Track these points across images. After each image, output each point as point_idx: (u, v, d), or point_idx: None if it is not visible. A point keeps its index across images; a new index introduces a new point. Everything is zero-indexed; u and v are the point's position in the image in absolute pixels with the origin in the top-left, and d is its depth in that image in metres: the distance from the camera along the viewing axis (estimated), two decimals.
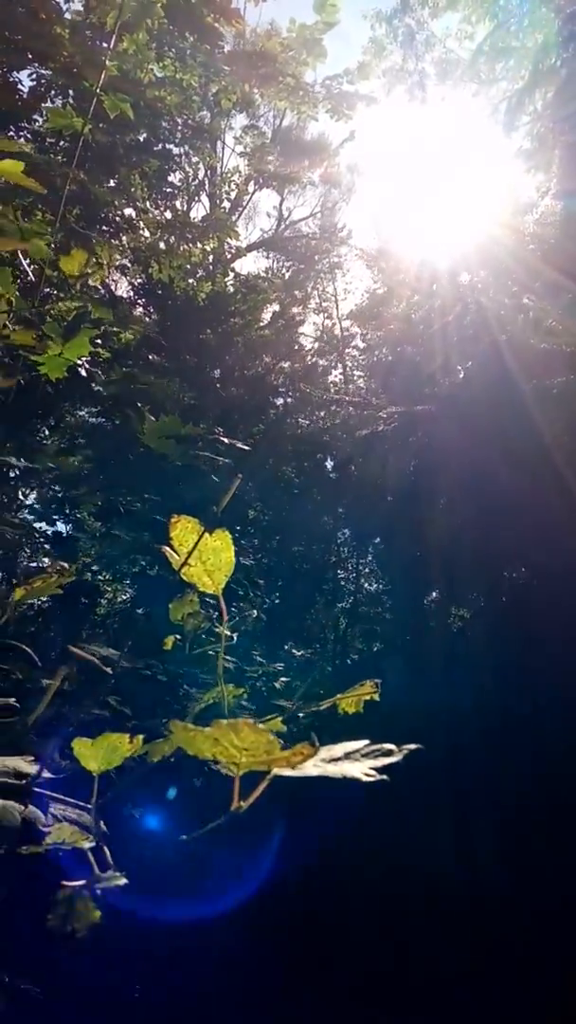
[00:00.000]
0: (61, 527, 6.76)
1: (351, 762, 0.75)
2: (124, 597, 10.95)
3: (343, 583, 15.30)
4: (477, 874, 6.14)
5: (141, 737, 1.02)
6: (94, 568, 7.13)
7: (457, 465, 8.55)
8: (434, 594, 10.80)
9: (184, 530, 1.11)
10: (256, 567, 13.26)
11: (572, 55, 9.07)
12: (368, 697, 1.14)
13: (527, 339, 8.73)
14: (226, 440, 2.68)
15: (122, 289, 12.44)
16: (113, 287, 12.56)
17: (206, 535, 1.11)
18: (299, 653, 6.60)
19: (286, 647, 13.99)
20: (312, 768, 0.71)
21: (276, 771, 0.72)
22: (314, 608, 15.17)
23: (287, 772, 0.71)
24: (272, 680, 5.54)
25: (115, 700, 4.05)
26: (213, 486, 3.32)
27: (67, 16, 5.71)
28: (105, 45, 4.81)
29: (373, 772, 0.72)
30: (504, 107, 10.55)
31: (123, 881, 0.86)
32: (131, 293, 11.77)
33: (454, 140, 13.70)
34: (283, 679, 5.57)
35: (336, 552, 15.27)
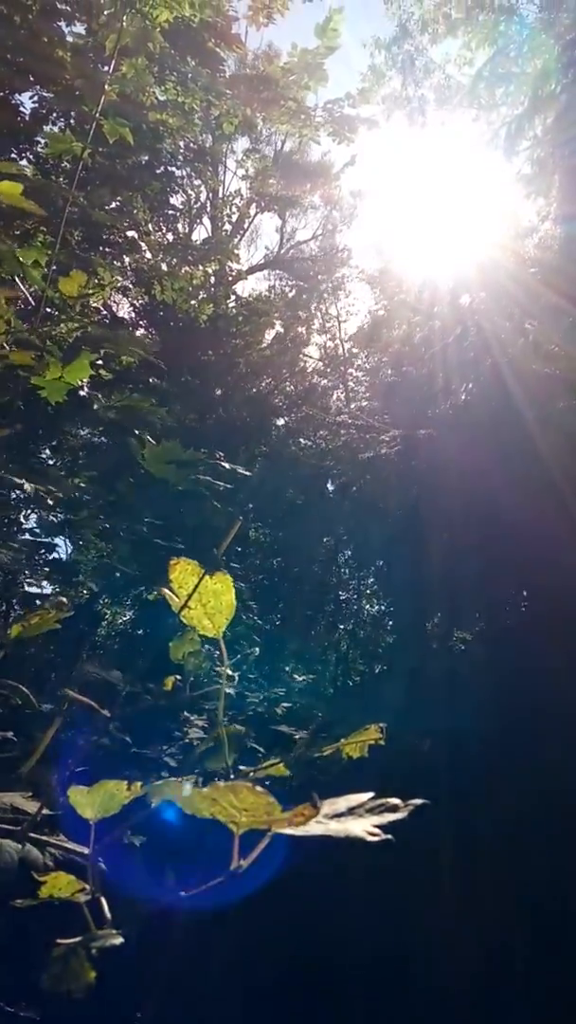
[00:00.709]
0: (61, 550, 6.71)
1: (355, 818, 0.72)
2: (125, 618, 10.90)
3: (344, 604, 15.23)
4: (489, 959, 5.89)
5: (139, 784, 0.97)
6: (95, 590, 7.08)
7: (459, 488, 8.52)
8: (436, 616, 10.72)
9: (184, 572, 1.08)
10: (255, 588, 13.23)
11: (571, 81, 9.16)
12: (373, 741, 1.10)
13: (528, 363, 8.74)
14: (227, 465, 2.65)
15: (124, 310, 12.54)
16: (115, 308, 12.66)
17: (206, 577, 1.07)
18: (300, 678, 6.52)
19: (287, 669, 13.93)
20: (315, 827, 0.69)
21: (277, 829, 0.70)
22: (315, 629, 15.11)
23: (289, 831, 0.69)
24: (273, 705, 5.46)
25: (116, 727, 3.98)
26: (214, 511, 3.29)
27: (69, 39, 5.78)
28: (106, 69, 4.84)
29: (377, 831, 0.69)
30: (504, 132, 10.65)
31: (119, 940, 0.83)
32: (133, 314, 11.84)
33: (454, 163, 13.80)
34: (284, 704, 5.50)
35: (337, 573, 15.21)
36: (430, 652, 10.37)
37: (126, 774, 0.98)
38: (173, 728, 4.60)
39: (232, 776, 1.03)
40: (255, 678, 7.65)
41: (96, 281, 5.54)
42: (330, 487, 13.50)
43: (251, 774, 1.09)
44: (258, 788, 0.68)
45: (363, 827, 0.69)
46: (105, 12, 4.11)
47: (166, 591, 1.09)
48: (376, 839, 0.68)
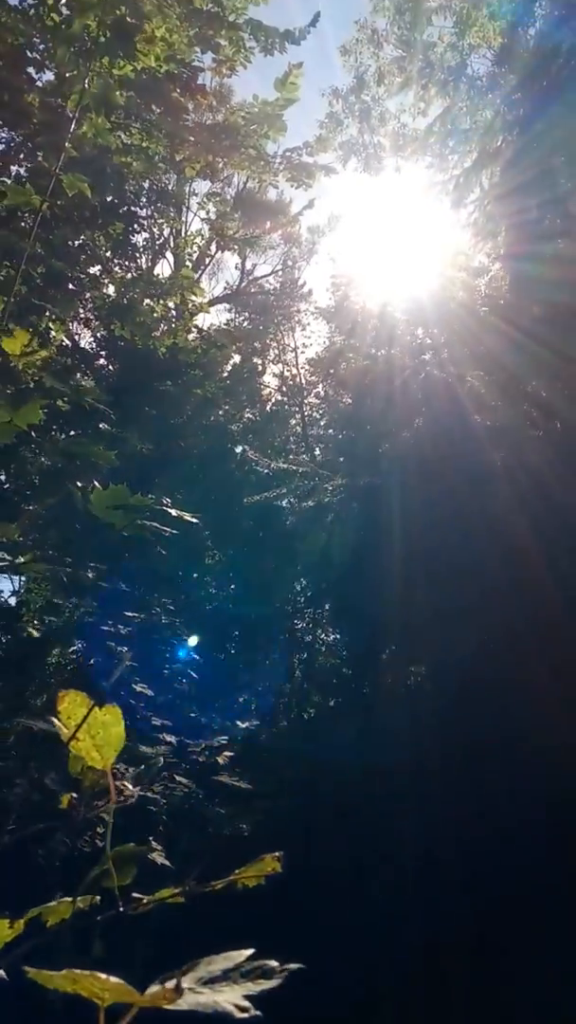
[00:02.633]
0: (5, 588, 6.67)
1: (228, 985, 0.69)
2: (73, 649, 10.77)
3: (300, 634, 15.15)
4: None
5: (22, 921, 0.96)
6: (40, 626, 7.02)
7: (404, 531, 8.77)
8: (390, 649, 10.84)
9: (72, 703, 1.08)
10: (208, 616, 13.19)
11: (515, 138, 9.64)
12: (270, 871, 1.04)
13: (469, 413, 9.10)
14: (174, 512, 2.75)
15: (85, 341, 12.63)
16: (78, 339, 12.73)
17: (96, 709, 1.07)
18: (244, 725, 6.48)
19: (240, 700, 13.84)
20: (183, 1001, 0.66)
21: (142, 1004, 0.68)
22: (269, 660, 15.01)
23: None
24: (215, 754, 5.39)
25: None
26: (159, 557, 3.36)
27: (39, 84, 5.93)
28: (75, 115, 4.99)
29: (247, 1007, 0.65)
30: (452, 185, 11.11)
31: None
32: (94, 345, 11.93)
33: (409, 206, 14.30)
34: (227, 753, 5.42)
35: (293, 602, 15.17)
36: (384, 686, 10.46)
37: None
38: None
39: (121, 908, 1.01)
40: (199, 716, 7.55)
41: (49, 323, 5.65)
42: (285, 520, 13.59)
43: (144, 901, 1.03)
44: (112, 979, 0.67)
45: (233, 1000, 0.66)
46: (67, 73, 4.26)
47: (55, 720, 1.08)
48: (245, 1016, 0.64)
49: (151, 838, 4.36)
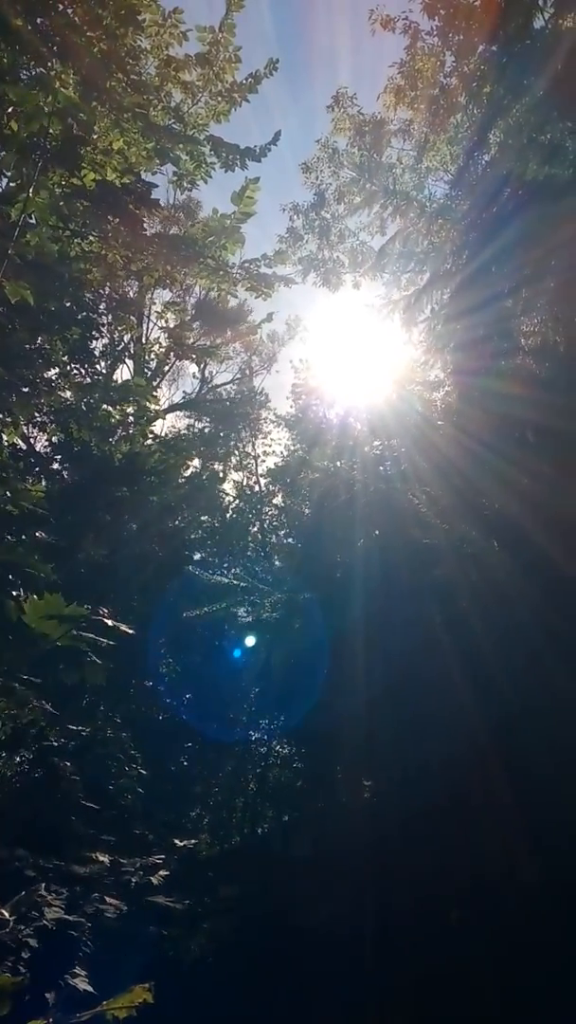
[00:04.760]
0: None
1: None
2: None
3: (254, 745, 14.56)
4: None
5: None
6: None
7: (358, 644, 8.68)
8: (344, 764, 10.49)
9: None
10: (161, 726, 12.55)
11: (465, 261, 10.14)
12: (141, 1000, 1.12)
13: (411, 529, 9.18)
14: (110, 622, 2.50)
15: (40, 444, 12.44)
16: (33, 441, 12.55)
17: None
18: (181, 844, 6.03)
19: (192, 814, 13.04)
20: None
21: None
22: (222, 772, 14.39)
23: None
24: (150, 874, 4.94)
25: None
26: (93, 668, 3.06)
27: None
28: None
29: None
30: (404, 304, 11.57)
31: None
32: (49, 449, 11.75)
33: (368, 319, 14.82)
34: (163, 872, 4.99)
35: (248, 711, 14.63)
36: (337, 802, 10.07)
37: None
38: None
39: None
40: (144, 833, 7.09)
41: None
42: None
43: None
44: None
45: None
46: (10, 183, 4.24)
47: None
48: None
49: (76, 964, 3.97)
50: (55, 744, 6.76)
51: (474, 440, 9.80)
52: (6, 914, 3.02)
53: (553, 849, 6.82)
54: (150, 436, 10.90)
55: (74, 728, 7.36)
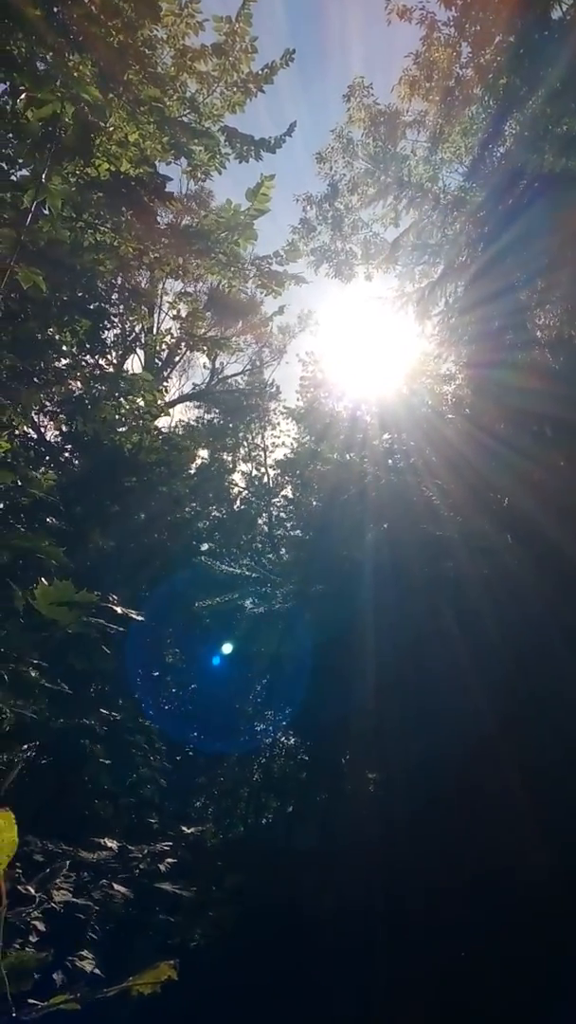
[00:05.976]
0: None
1: None
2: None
3: (259, 736, 14.62)
4: None
5: None
6: None
7: (365, 636, 8.66)
8: (349, 755, 10.50)
9: None
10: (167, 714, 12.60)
11: (480, 253, 10.07)
12: (164, 978, 1.07)
13: (435, 516, 9.15)
14: (119, 610, 2.49)
15: (51, 434, 12.45)
16: (43, 431, 12.56)
17: None
18: (189, 831, 6.09)
19: (197, 804, 13.12)
20: None
21: None
22: (227, 762, 14.45)
23: None
24: (157, 861, 4.99)
25: None
26: (103, 656, 3.07)
27: (13, 178, 5.95)
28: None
29: None
30: (418, 297, 11.50)
31: None
32: (59, 438, 11.76)
33: (380, 311, 14.70)
34: (170, 860, 5.04)
35: (253, 702, 14.68)
36: (342, 794, 10.09)
37: None
38: None
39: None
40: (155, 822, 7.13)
41: (12, 414, 5.46)
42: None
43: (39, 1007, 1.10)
44: None
45: None
46: (23, 171, 4.22)
47: None
48: None
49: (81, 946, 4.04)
50: (88, 723, 6.82)
51: (487, 433, 9.77)
52: (32, 890, 3.09)
53: (563, 841, 6.82)
54: (154, 429, 10.92)
55: (105, 712, 7.41)
